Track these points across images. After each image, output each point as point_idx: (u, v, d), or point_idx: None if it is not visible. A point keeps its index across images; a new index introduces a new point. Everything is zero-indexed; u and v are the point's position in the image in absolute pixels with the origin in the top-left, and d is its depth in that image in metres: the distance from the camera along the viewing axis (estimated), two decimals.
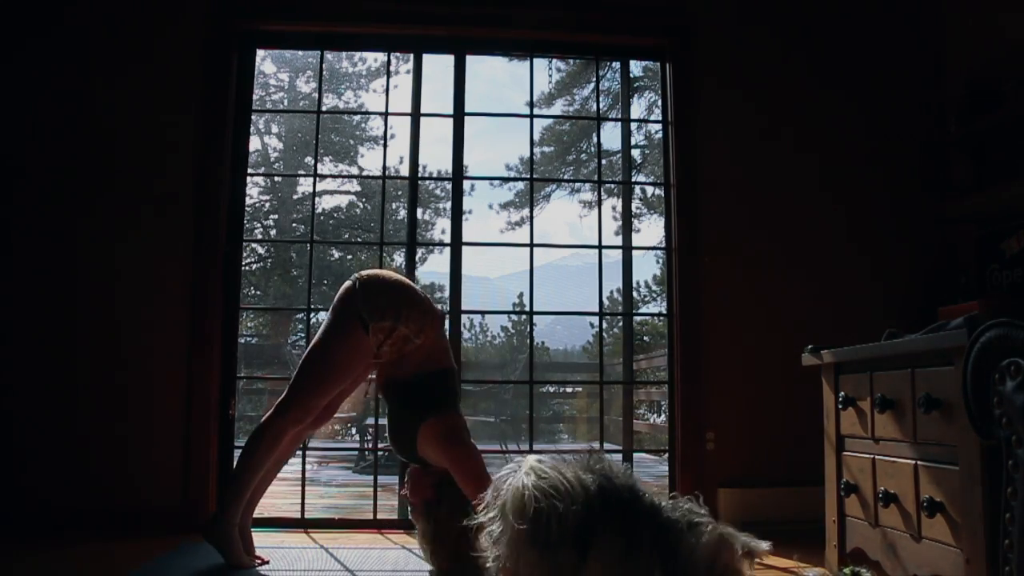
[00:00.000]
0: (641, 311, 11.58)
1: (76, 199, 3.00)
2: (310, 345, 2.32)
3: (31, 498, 2.84)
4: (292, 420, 2.26)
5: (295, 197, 12.49)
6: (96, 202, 3.00)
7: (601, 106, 10.84)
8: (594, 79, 11.26)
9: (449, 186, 3.47)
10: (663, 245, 3.37)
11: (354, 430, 7.06)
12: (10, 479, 2.83)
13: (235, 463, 2.28)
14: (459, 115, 3.27)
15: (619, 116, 9.24)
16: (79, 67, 3.05)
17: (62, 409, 2.89)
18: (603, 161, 6.86)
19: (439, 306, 2.43)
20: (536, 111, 8.17)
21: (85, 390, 2.90)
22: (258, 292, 11.97)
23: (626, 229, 4.43)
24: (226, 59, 3.10)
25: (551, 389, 10.59)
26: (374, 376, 2.40)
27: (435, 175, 10.88)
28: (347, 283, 2.31)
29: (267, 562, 2.29)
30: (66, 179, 3.00)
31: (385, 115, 3.56)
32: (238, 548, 2.24)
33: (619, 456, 4.23)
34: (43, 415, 2.88)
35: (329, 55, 11.50)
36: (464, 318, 3.10)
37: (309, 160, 12.53)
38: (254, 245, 11.94)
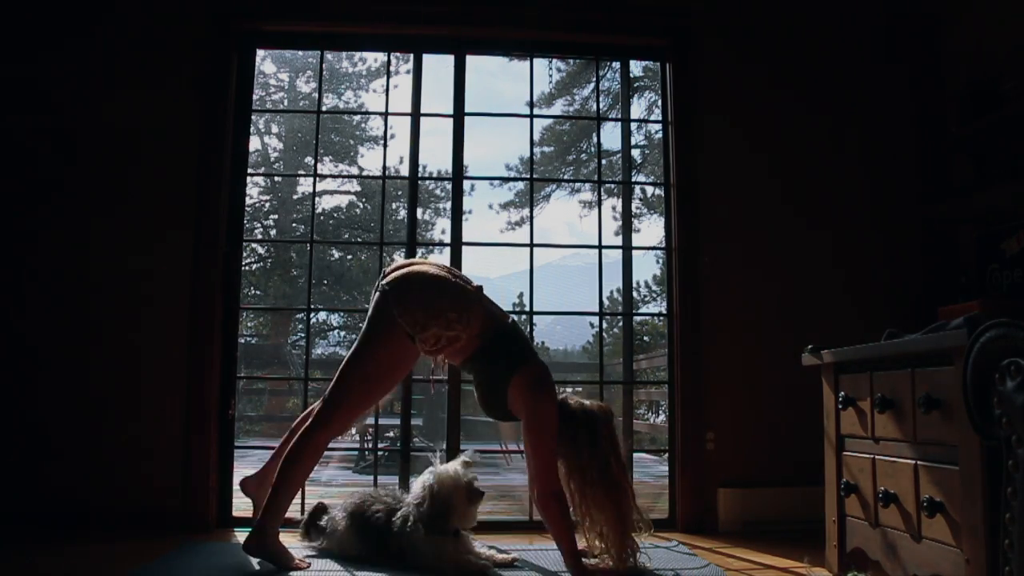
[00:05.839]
0: (641, 311, 11.58)
1: (75, 200, 2.99)
2: (350, 355, 2.28)
3: (34, 498, 2.83)
4: (336, 431, 2.29)
5: (295, 197, 12.49)
6: (95, 202, 3.00)
7: (601, 106, 10.85)
8: (594, 79, 11.27)
9: (449, 186, 3.47)
10: (663, 245, 3.37)
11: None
12: (16, 479, 2.83)
13: (276, 475, 2.24)
14: (459, 115, 3.27)
15: (619, 116, 9.24)
16: (78, 68, 3.05)
17: (63, 409, 2.89)
18: (603, 161, 6.87)
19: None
20: (536, 111, 8.17)
21: (84, 390, 2.90)
22: (258, 292, 11.97)
23: (626, 229, 4.43)
24: (226, 59, 3.10)
25: None
26: (443, 367, 2.45)
27: (435, 175, 10.89)
28: (377, 296, 2.28)
29: (308, 565, 2.25)
30: (65, 180, 3.00)
31: (385, 115, 3.56)
32: (286, 555, 2.23)
33: None
34: (44, 416, 2.88)
35: (329, 55, 11.51)
36: None
37: (309, 160, 12.54)
38: (254, 245, 11.94)
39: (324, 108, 9.96)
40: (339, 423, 2.26)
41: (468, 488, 2.19)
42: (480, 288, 2.37)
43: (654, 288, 11.93)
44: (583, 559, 2.23)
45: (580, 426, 2.25)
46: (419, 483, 2.23)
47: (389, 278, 2.27)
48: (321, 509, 2.50)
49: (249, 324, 12.00)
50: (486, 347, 2.27)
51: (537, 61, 3.67)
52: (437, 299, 2.23)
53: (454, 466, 2.23)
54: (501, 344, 2.29)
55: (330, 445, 2.39)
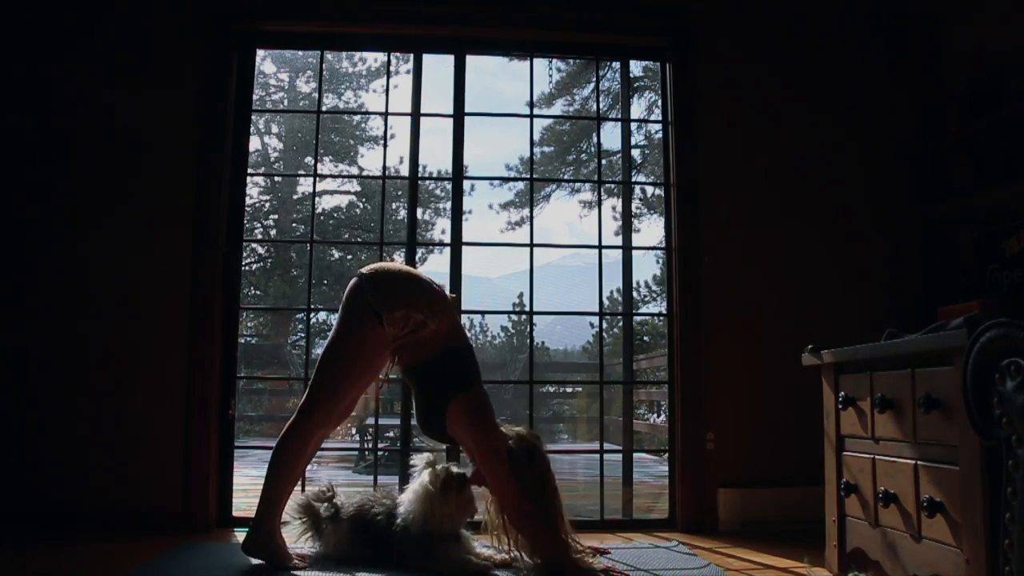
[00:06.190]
0: (641, 311, 11.57)
1: (75, 199, 2.99)
2: (326, 345, 2.32)
3: (33, 498, 2.83)
4: (317, 422, 2.26)
5: (295, 197, 12.49)
6: (96, 202, 2.99)
7: (601, 106, 10.84)
8: (594, 79, 11.26)
9: (449, 186, 3.47)
10: (663, 245, 3.37)
11: (354, 430, 7.08)
12: (15, 479, 2.83)
13: (266, 472, 2.24)
14: (459, 115, 3.27)
15: (619, 116, 9.24)
16: (78, 67, 3.05)
17: (63, 409, 2.89)
18: (603, 161, 6.86)
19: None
20: (536, 111, 8.16)
21: (86, 390, 2.90)
22: (258, 292, 11.97)
23: (626, 229, 4.44)
24: (226, 59, 3.10)
25: (551, 389, 10.58)
26: (391, 367, 2.40)
27: (435, 175, 10.89)
28: (353, 281, 2.32)
29: (307, 564, 2.25)
30: (65, 179, 3.00)
31: (385, 115, 3.56)
32: (283, 554, 2.22)
33: (619, 456, 4.23)
34: (44, 416, 2.89)
35: (329, 55, 11.50)
36: (464, 318, 3.09)
37: (309, 160, 12.53)
38: (254, 245, 11.94)
39: (324, 108, 9.95)
40: (319, 411, 2.25)
41: (445, 487, 2.17)
42: (455, 299, 2.41)
43: (654, 288, 11.92)
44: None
45: (514, 457, 2.23)
46: (402, 514, 2.21)
47: (366, 268, 2.33)
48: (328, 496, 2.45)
49: (249, 324, 11.99)
50: (439, 359, 2.27)
51: (537, 61, 3.67)
52: (409, 284, 2.30)
53: (417, 481, 2.21)
54: (453, 361, 2.29)
55: (330, 445, 2.38)
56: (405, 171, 3.55)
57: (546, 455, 2.31)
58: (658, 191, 4.93)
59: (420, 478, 2.21)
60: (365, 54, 12.40)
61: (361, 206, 12.80)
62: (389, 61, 3.84)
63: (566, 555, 2.15)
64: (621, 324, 8.16)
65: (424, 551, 2.14)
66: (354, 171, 12.77)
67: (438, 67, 3.43)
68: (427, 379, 2.30)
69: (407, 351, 2.28)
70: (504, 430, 2.31)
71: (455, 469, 2.22)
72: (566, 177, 12.68)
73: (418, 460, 2.27)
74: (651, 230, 13.04)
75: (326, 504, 2.36)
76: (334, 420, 2.35)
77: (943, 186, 3.14)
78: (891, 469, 1.93)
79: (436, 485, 2.17)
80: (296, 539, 2.35)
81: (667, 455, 3.27)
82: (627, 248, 4.11)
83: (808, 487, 2.63)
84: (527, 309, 3.55)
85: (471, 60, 3.31)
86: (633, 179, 10.27)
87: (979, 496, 1.57)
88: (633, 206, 8.66)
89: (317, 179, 9.56)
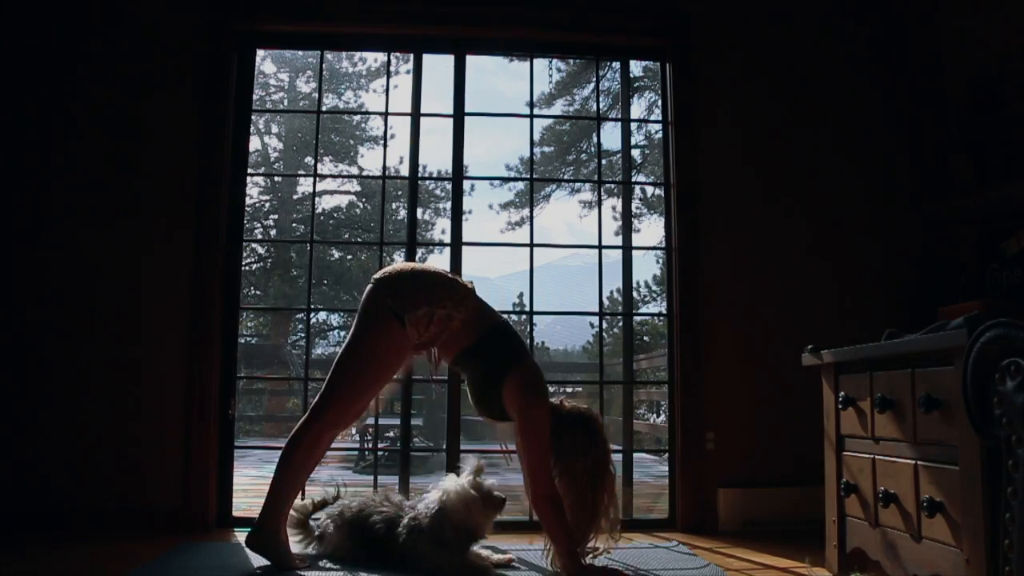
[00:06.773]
0: (641, 311, 11.58)
1: (75, 199, 2.99)
2: (344, 347, 2.29)
3: (33, 498, 2.83)
4: (329, 423, 2.25)
5: (295, 197, 12.52)
6: (96, 202, 2.99)
7: (601, 106, 10.85)
8: (594, 79, 11.28)
9: (449, 186, 3.47)
10: (663, 245, 3.37)
11: (354, 430, 7.08)
12: (16, 479, 2.83)
13: (274, 470, 2.23)
14: (459, 115, 3.27)
15: (619, 116, 9.24)
16: (78, 68, 3.05)
17: (63, 409, 2.88)
18: (603, 161, 6.87)
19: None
20: (536, 111, 8.17)
21: (86, 390, 2.90)
22: (258, 292, 11.98)
23: (626, 229, 4.43)
24: (226, 59, 3.10)
25: (551, 389, 10.59)
26: (434, 367, 2.41)
27: (435, 175, 10.90)
28: (368, 287, 2.30)
29: (307, 564, 2.24)
30: (65, 179, 3.00)
31: (385, 115, 3.56)
32: (285, 554, 2.21)
33: (620, 456, 4.23)
34: (44, 415, 2.88)
35: (329, 55, 11.51)
36: None
37: (309, 160, 12.55)
38: (254, 245, 11.96)
39: (324, 108, 9.95)
40: (332, 415, 2.24)
41: (485, 500, 2.15)
42: (473, 285, 2.38)
43: (654, 288, 11.93)
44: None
45: (578, 429, 2.23)
46: (429, 504, 2.17)
47: (379, 273, 2.33)
48: (320, 505, 2.48)
49: (249, 324, 12.01)
50: (480, 342, 2.26)
51: (537, 61, 3.67)
52: (425, 281, 2.27)
53: (463, 481, 2.17)
54: (496, 340, 2.28)
55: (331, 445, 2.38)
56: (405, 171, 3.55)
57: (607, 443, 2.26)
58: (658, 191, 4.93)
59: (464, 479, 2.17)
60: (365, 54, 12.43)
61: (361, 206, 12.83)
62: (389, 61, 3.84)
63: (574, 557, 2.14)
64: (621, 324, 8.16)
65: (428, 558, 2.11)
66: (354, 171, 12.80)
67: (438, 67, 3.45)
68: (475, 364, 2.29)
69: (446, 348, 2.29)
70: (568, 406, 2.29)
71: (498, 492, 2.19)
72: (566, 177, 12.70)
73: (467, 464, 2.23)
74: (651, 230, 13.07)
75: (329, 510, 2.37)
76: (346, 421, 2.33)
77: (943, 186, 3.14)
78: (891, 469, 1.93)
79: (480, 492, 2.15)
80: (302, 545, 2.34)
81: (667, 455, 3.27)
82: (627, 248, 4.11)
83: (808, 487, 2.63)
84: (527, 309, 3.55)
85: (471, 60, 3.31)
86: (633, 179, 10.28)
87: (979, 496, 1.57)
88: (633, 206, 8.65)
89: (317, 179, 9.57)
